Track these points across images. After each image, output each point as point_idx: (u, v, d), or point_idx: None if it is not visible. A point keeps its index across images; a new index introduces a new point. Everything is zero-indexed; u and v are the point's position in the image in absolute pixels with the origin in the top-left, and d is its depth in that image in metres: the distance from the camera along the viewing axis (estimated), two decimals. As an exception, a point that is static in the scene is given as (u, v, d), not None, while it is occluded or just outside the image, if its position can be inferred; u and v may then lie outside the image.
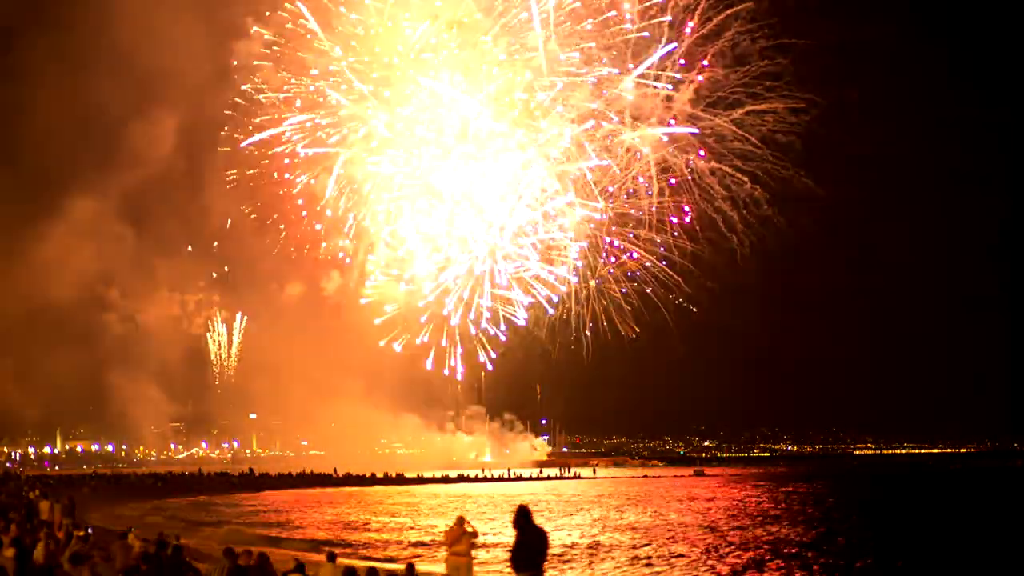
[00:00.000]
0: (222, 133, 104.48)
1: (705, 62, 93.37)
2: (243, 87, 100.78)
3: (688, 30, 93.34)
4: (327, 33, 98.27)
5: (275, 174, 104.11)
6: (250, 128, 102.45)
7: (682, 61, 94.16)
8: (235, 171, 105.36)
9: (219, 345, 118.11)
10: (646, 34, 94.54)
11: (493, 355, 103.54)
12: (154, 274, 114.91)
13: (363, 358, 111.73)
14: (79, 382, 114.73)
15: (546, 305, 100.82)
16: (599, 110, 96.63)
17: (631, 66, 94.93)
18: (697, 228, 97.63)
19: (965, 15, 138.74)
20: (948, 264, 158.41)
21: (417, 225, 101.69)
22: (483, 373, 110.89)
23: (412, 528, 43.34)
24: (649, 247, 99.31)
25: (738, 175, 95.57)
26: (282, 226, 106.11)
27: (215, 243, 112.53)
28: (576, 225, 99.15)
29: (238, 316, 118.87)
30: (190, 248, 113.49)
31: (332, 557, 18.28)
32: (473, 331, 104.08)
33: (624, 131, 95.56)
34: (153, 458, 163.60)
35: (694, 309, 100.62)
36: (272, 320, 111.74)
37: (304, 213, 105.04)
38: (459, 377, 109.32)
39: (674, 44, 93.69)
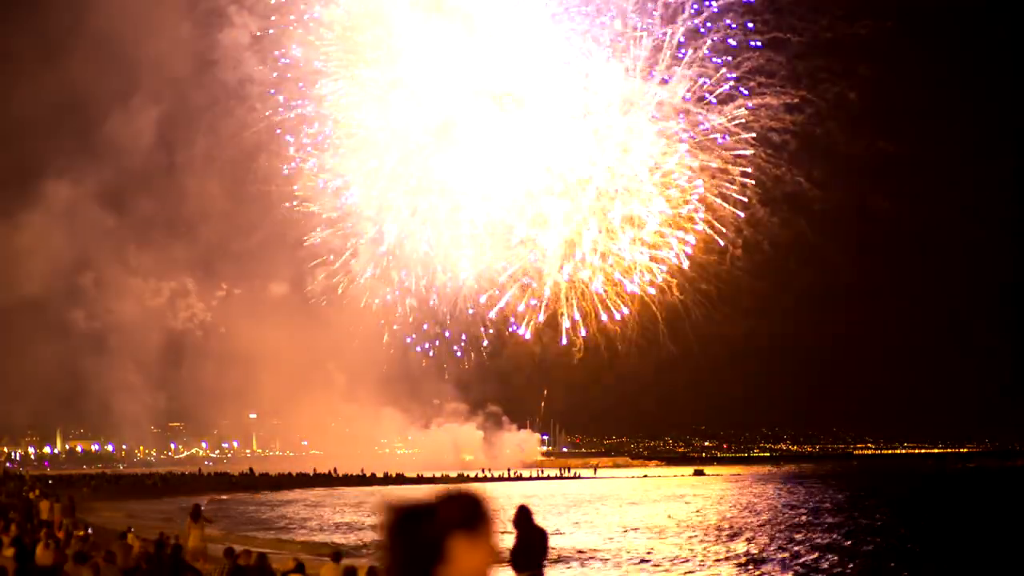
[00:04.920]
0: (205, 124, 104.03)
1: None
2: (226, 76, 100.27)
3: (682, 23, 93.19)
4: (313, 21, 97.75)
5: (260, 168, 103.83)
6: (233, 118, 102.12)
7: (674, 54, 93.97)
8: (217, 162, 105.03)
9: (200, 339, 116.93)
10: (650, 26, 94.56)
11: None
12: (137, 267, 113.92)
13: (344, 353, 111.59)
14: (70, 380, 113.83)
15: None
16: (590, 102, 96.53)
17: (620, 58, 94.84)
18: (692, 226, 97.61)
19: (964, 12, 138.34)
20: (948, 263, 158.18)
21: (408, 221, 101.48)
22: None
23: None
24: (643, 245, 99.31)
25: (730, 168, 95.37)
26: (267, 228, 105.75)
27: (197, 236, 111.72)
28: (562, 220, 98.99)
29: (219, 308, 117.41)
30: (173, 241, 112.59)
31: (337, 557, 18.25)
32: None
33: (614, 124, 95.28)
34: (152, 458, 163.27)
35: (689, 322, 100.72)
36: (254, 314, 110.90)
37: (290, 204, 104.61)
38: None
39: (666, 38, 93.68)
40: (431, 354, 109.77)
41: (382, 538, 2.69)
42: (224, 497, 70.60)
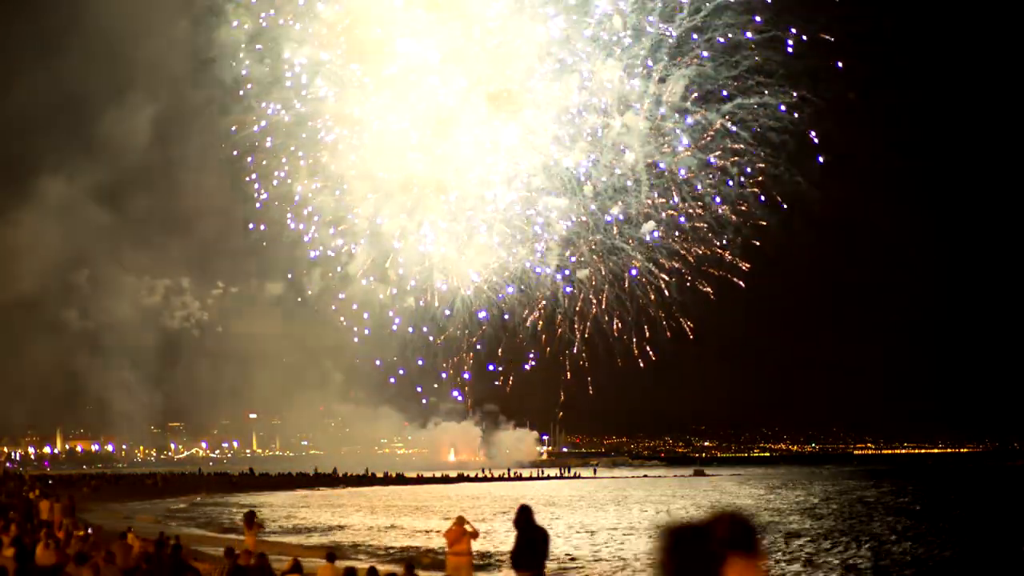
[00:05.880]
0: (201, 122, 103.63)
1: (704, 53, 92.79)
2: (223, 74, 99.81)
3: (679, 21, 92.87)
4: (310, 18, 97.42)
5: (254, 169, 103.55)
6: (229, 116, 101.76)
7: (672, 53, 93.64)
8: (213, 160, 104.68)
9: (197, 338, 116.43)
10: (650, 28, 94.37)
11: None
12: (132, 265, 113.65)
13: (341, 352, 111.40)
14: (68, 380, 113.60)
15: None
16: (587, 101, 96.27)
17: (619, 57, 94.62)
18: (690, 226, 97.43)
19: (962, 11, 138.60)
20: (947, 263, 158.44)
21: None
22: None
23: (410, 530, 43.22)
24: (641, 246, 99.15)
25: (728, 168, 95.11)
26: (263, 227, 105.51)
27: (193, 234, 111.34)
28: (559, 219, 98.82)
29: (215, 307, 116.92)
30: (169, 239, 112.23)
31: (332, 557, 18.30)
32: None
33: (611, 123, 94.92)
34: (152, 458, 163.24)
35: (688, 323, 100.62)
36: (251, 313, 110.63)
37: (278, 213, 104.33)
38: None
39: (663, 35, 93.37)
40: (430, 351, 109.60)
41: (658, 558, 2.70)
42: (198, 499, 70.27)
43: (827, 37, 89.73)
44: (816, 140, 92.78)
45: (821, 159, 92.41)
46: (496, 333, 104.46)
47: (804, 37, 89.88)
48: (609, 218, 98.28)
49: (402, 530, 42.31)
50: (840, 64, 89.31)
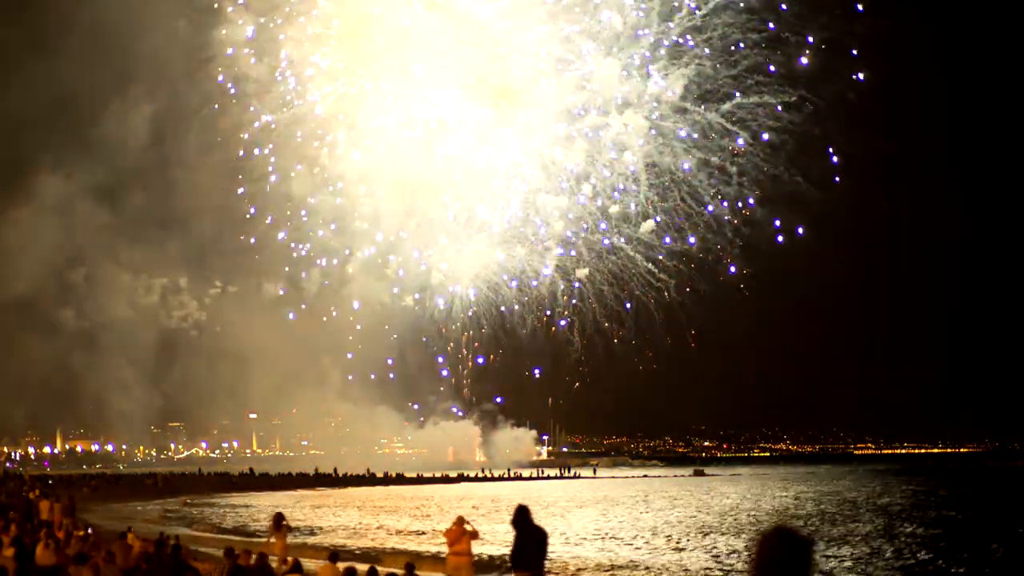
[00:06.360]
0: (198, 121, 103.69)
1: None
2: (221, 74, 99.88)
3: (680, 21, 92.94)
4: (309, 19, 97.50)
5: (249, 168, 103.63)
6: (227, 116, 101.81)
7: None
8: (211, 160, 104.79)
9: (195, 337, 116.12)
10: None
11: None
12: (129, 263, 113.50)
13: (339, 351, 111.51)
14: (67, 380, 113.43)
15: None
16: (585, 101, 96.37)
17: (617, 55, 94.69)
18: (689, 226, 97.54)
19: (962, 10, 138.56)
20: (947, 263, 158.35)
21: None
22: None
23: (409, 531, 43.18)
24: (639, 246, 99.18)
25: (727, 167, 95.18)
26: (260, 227, 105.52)
27: (190, 233, 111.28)
28: (558, 218, 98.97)
29: (214, 306, 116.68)
30: (166, 238, 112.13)
31: (334, 557, 18.26)
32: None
33: (610, 123, 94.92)
34: (152, 458, 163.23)
35: (688, 323, 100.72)
36: (249, 312, 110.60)
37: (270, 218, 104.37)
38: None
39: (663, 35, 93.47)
40: (429, 351, 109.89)
41: (764, 558, 3.40)
42: (188, 500, 70.01)
43: (828, 38, 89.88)
44: (832, 153, 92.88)
45: (837, 179, 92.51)
46: (496, 334, 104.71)
47: (811, 39, 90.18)
48: (606, 241, 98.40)
49: (387, 529, 42.23)
50: (861, 76, 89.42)
